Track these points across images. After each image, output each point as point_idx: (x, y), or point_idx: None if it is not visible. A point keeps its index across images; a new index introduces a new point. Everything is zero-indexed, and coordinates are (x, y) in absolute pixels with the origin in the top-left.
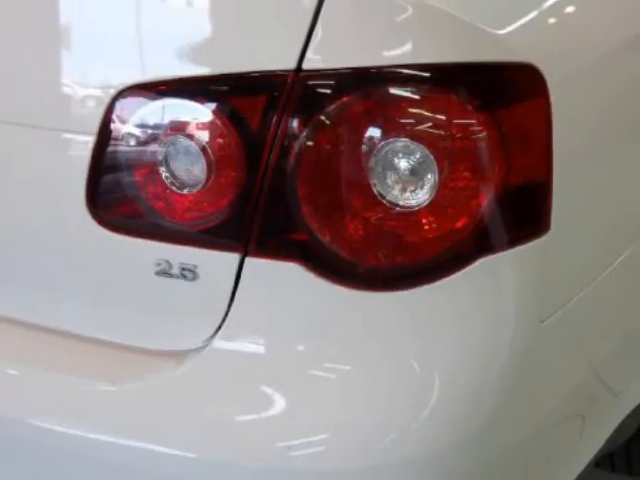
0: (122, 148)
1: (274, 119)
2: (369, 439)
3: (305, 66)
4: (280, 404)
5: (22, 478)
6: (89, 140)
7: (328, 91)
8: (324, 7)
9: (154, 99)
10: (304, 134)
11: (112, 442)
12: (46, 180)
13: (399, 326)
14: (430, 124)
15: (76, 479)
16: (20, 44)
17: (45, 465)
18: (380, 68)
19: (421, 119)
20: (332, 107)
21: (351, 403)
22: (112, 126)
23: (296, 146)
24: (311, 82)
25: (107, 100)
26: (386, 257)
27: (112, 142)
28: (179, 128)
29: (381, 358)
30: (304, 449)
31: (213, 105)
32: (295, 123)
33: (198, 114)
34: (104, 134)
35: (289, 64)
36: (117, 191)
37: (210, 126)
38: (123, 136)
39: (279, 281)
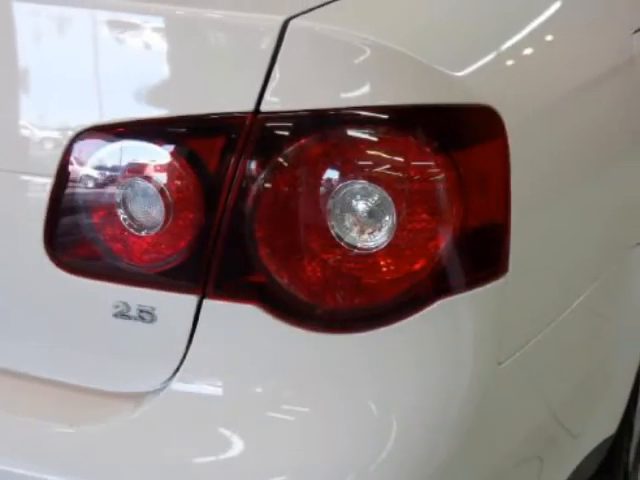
0: (80, 190)
1: (232, 161)
2: None
3: (263, 108)
4: (238, 446)
5: None
6: (47, 182)
7: (286, 133)
8: (282, 49)
9: (112, 141)
10: (262, 176)
11: None
12: (4, 221)
13: (357, 368)
14: (388, 166)
15: None
16: None
17: None
18: (338, 110)
19: (379, 161)
20: (290, 149)
21: (309, 445)
22: (70, 168)
23: (254, 188)
24: (269, 124)
25: (65, 142)
26: (344, 299)
27: (70, 184)
28: (137, 170)
29: (339, 400)
30: None
31: (171, 147)
32: (253, 165)
33: (156, 156)
34: (62, 176)
35: (247, 106)
36: (75, 233)
37: (168, 168)
38: (81, 178)
39: (237, 323)
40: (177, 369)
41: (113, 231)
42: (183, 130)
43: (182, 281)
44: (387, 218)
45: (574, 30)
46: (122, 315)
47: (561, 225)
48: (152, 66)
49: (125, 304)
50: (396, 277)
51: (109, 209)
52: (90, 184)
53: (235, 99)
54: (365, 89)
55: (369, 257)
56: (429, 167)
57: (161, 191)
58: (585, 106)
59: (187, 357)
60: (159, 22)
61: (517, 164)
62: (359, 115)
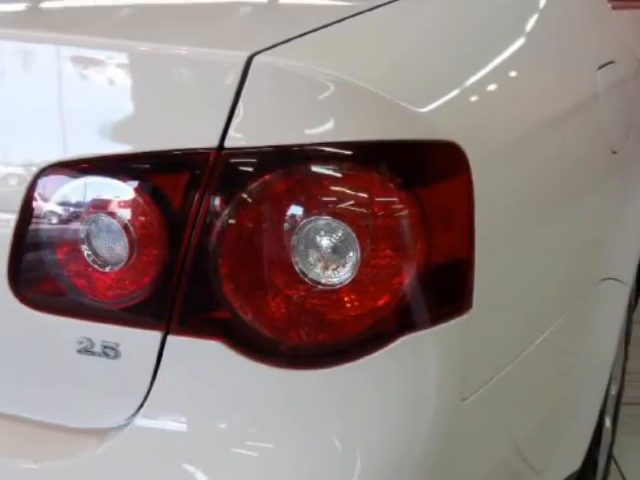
0: (44, 226)
1: (196, 197)
2: None
3: (227, 144)
4: None
5: None
6: (11, 218)
7: (250, 169)
8: (246, 85)
9: (76, 177)
10: (226, 212)
11: None
12: None
13: (321, 404)
14: (352, 202)
15: None
16: None
17: None
18: (302, 146)
19: (343, 197)
20: (254, 185)
21: None
22: (34, 204)
23: (218, 224)
24: (233, 160)
25: (29, 178)
26: (308, 335)
27: (34, 220)
28: (101, 206)
29: (303, 436)
30: None
31: (135, 183)
32: (217, 201)
33: (120, 192)
34: (26, 212)
35: (211, 142)
36: (39, 269)
37: (132, 204)
38: (45, 214)
39: (201, 359)
40: (141, 405)
41: (77, 267)
42: (147, 166)
43: (146, 317)
44: (351, 254)
45: (538, 66)
46: (86, 351)
47: (525, 261)
48: (116, 102)
49: (89, 340)
50: (360, 313)
51: (73, 245)
52: (54, 220)
53: (199, 135)
54: (329, 125)
55: (333, 293)
56: (393, 203)
57: (125, 227)
58: (549, 142)
59: (151, 393)
60: (123, 58)
61: (481, 200)
62: (323, 151)
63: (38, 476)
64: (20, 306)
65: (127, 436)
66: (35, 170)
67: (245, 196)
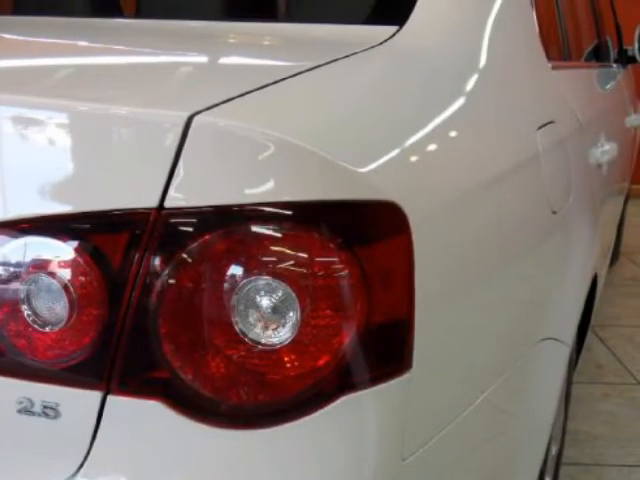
0: None
1: (136, 257)
2: None
3: (167, 204)
4: None
5: None
6: None
7: (190, 229)
8: (186, 145)
9: (16, 237)
10: (166, 272)
11: None
12: None
13: (261, 464)
14: (292, 262)
15: None
16: None
17: None
18: (242, 206)
19: (283, 257)
20: (194, 245)
21: None
22: None
23: (158, 284)
24: (173, 220)
25: None
26: (248, 395)
27: None
28: (41, 266)
29: None
30: None
31: (75, 243)
32: (157, 261)
33: (60, 252)
34: None
35: (151, 202)
36: None
37: (72, 264)
38: None
39: (141, 419)
40: (81, 465)
41: (17, 327)
42: (87, 226)
43: (86, 377)
44: (291, 314)
45: (478, 126)
46: (26, 411)
47: (465, 321)
48: (57, 162)
49: (29, 400)
50: (300, 373)
51: (13, 305)
52: None
53: (139, 195)
54: (269, 185)
55: (273, 353)
56: (333, 263)
57: (65, 287)
58: (489, 202)
59: (91, 453)
60: (63, 118)
61: (421, 260)
62: (263, 211)
63: None
64: None
65: None
66: None
67: (185, 256)
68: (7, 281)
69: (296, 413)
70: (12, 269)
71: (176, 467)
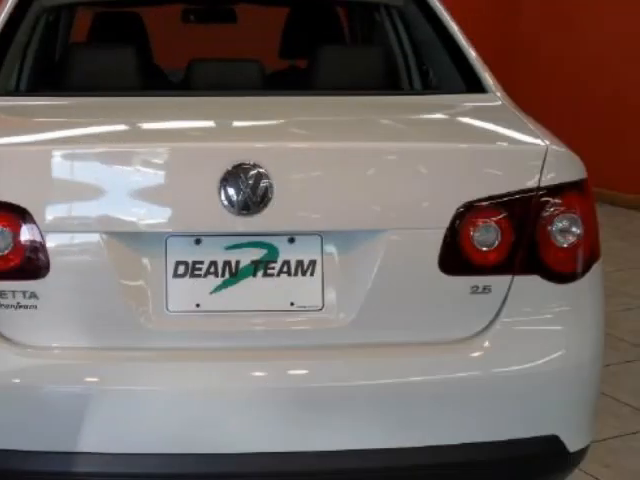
0: None
1: (530, 212)
2: None
3: (542, 185)
4: None
5: None
6: None
7: (554, 194)
8: (547, 160)
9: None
10: (543, 216)
11: None
12: None
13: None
14: None
15: None
16: None
17: None
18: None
19: None
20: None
21: None
22: None
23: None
24: (546, 191)
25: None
26: (572, 268)
27: None
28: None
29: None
30: None
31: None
32: (540, 213)
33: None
34: None
35: (534, 185)
36: None
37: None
38: None
39: (528, 287)
40: (492, 321)
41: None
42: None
43: (504, 266)
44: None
45: None
46: (476, 293)
47: None
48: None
49: (481, 286)
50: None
51: None
52: None
53: (524, 183)
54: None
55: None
56: None
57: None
58: None
59: (500, 314)
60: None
61: None
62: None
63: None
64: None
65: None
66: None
67: (553, 209)
68: None
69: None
70: None
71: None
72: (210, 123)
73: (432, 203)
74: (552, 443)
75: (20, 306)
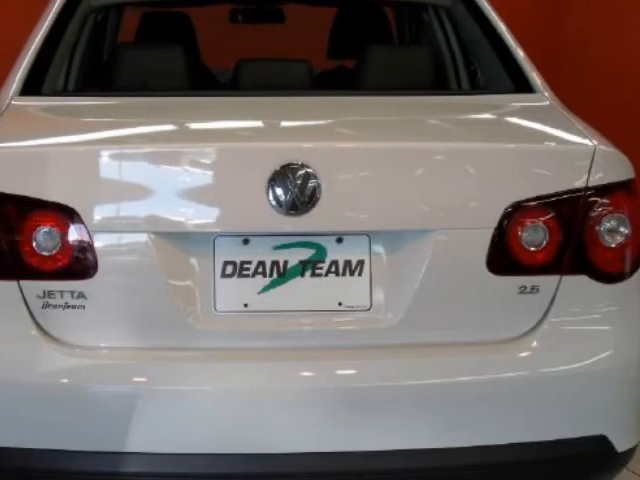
0: None
1: (579, 212)
2: None
3: (590, 185)
4: None
5: None
6: None
7: (602, 194)
8: (595, 159)
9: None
10: (591, 216)
11: None
12: None
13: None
14: None
15: None
16: None
17: None
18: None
19: None
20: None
21: None
22: None
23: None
24: (594, 190)
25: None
26: (620, 268)
27: None
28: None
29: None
30: None
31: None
32: (587, 212)
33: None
34: None
35: (582, 185)
36: None
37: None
38: None
39: (576, 287)
40: (540, 320)
41: None
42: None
43: (552, 267)
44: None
45: None
46: (524, 293)
47: None
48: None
49: (529, 287)
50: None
51: None
52: None
53: (573, 183)
54: None
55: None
56: None
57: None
58: None
59: (548, 313)
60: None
61: None
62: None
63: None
64: None
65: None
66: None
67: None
68: None
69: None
70: None
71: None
72: (258, 123)
73: (480, 203)
74: (600, 443)
75: (68, 306)
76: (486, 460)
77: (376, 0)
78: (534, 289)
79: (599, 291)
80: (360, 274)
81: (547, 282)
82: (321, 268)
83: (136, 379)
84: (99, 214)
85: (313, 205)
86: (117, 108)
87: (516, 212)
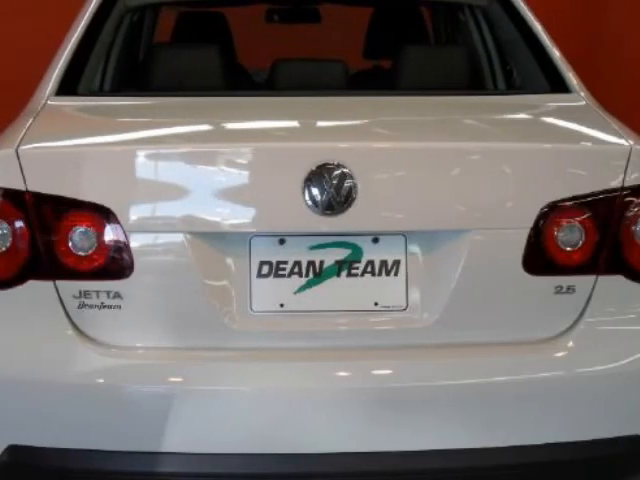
0: None
1: (615, 212)
2: None
3: (626, 185)
4: None
5: None
6: None
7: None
8: (630, 158)
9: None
10: (627, 215)
11: None
12: None
13: None
14: None
15: None
16: None
17: None
18: None
19: None
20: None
21: None
22: None
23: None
24: (631, 190)
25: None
26: None
27: None
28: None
29: None
30: None
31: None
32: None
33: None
34: None
35: (619, 185)
36: None
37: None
38: None
39: (611, 288)
40: (576, 321)
41: None
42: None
43: (588, 267)
44: None
45: None
46: (560, 293)
47: None
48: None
49: (565, 287)
50: None
51: None
52: None
53: (609, 182)
54: None
55: None
56: None
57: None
58: None
59: (584, 313)
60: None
61: None
62: None
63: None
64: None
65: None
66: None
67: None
68: None
69: None
70: None
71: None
72: (294, 123)
73: (516, 203)
74: (636, 443)
75: (104, 306)
76: (522, 460)
77: (412, 0)
78: (570, 289)
79: (635, 291)
80: (396, 274)
81: (583, 282)
82: (357, 268)
83: (172, 379)
84: (135, 214)
85: (349, 205)
86: (153, 108)
87: (552, 212)
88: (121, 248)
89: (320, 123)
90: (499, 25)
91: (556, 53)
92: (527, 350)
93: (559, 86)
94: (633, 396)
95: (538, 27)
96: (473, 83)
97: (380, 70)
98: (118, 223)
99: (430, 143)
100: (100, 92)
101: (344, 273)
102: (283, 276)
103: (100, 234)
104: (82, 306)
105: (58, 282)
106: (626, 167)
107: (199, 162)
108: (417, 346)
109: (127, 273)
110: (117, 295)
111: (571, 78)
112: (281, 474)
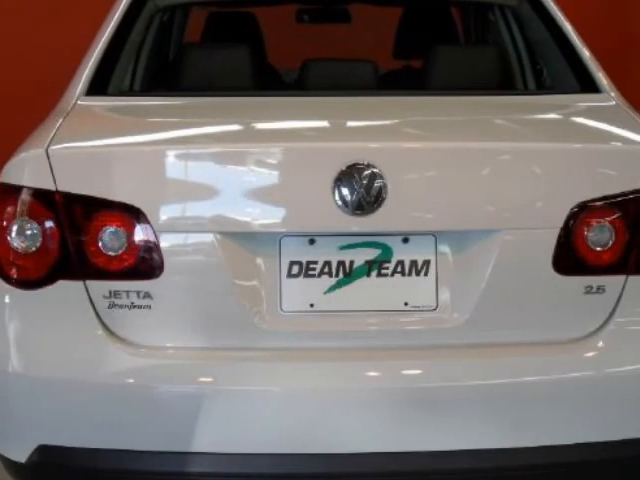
0: None
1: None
2: None
3: None
4: None
5: None
6: None
7: None
8: None
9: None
10: None
11: None
12: None
13: None
14: None
15: None
16: None
17: None
18: None
19: None
20: None
21: None
22: None
23: None
24: None
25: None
26: None
27: None
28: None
29: None
30: None
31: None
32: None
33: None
34: None
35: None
36: None
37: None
38: None
39: None
40: (606, 321)
41: None
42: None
43: (618, 267)
44: None
45: None
46: (591, 293)
47: None
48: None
49: (594, 286)
50: None
51: None
52: None
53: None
54: None
55: None
56: None
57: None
58: None
59: (615, 313)
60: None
61: None
62: None
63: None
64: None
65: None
66: None
67: None
68: None
69: None
70: None
71: None
72: (324, 123)
73: (546, 203)
74: None
75: (134, 306)
76: (552, 460)
77: (442, 0)
78: (600, 289)
79: None
80: (426, 274)
81: (613, 282)
82: (387, 268)
83: (202, 379)
84: (165, 214)
85: (379, 205)
86: (183, 108)
87: (582, 212)
88: (151, 248)
89: (350, 123)
90: (529, 25)
91: (586, 53)
92: (557, 350)
93: (589, 86)
94: None
95: (568, 27)
96: (503, 83)
97: (410, 70)
98: (148, 223)
99: (460, 143)
100: (130, 92)
101: (374, 273)
102: (313, 276)
103: (130, 234)
104: (112, 306)
105: (88, 282)
106: None
107: (229, 162)
108: (447, 346)
109: (157, 273)
110: (147, 295)
111: (601, 78)
112: (311, 474)
